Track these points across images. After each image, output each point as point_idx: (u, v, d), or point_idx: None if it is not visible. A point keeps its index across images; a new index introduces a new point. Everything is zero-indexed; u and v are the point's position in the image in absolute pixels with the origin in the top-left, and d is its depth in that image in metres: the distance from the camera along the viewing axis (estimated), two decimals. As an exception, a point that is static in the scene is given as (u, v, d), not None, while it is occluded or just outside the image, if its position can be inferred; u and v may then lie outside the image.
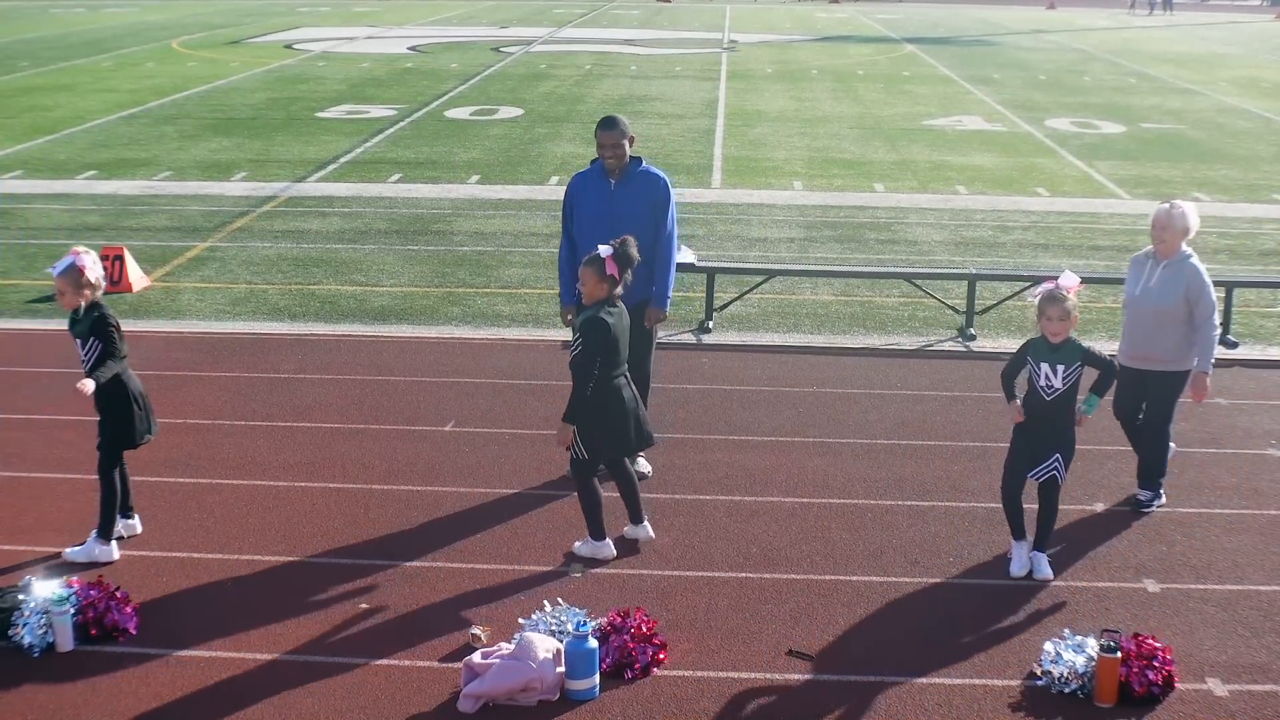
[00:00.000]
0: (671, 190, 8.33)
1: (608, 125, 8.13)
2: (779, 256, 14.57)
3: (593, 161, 8.37)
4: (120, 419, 7.24)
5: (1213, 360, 7.99)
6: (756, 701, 6.08)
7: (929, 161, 20.49)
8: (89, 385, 7.01)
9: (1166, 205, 8.02)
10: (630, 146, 8.17)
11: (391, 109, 25.30)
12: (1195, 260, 7.99)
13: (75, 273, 7.09)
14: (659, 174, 8.32)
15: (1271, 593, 7.19)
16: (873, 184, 18.74)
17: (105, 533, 7.33)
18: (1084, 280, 10.16)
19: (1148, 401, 8.18)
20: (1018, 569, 7.29)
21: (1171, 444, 8.28)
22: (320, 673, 6.25)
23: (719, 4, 58.05)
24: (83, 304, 7.16)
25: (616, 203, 8.16)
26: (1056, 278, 7.22)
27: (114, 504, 7.32)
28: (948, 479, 8.66)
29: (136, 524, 7.59)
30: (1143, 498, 8.25)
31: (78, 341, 7.21)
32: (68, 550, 7.33)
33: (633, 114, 24.92)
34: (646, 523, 7.61)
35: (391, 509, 8.06)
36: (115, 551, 7.34)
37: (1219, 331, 8.19)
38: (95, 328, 7.12)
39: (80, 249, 7.22)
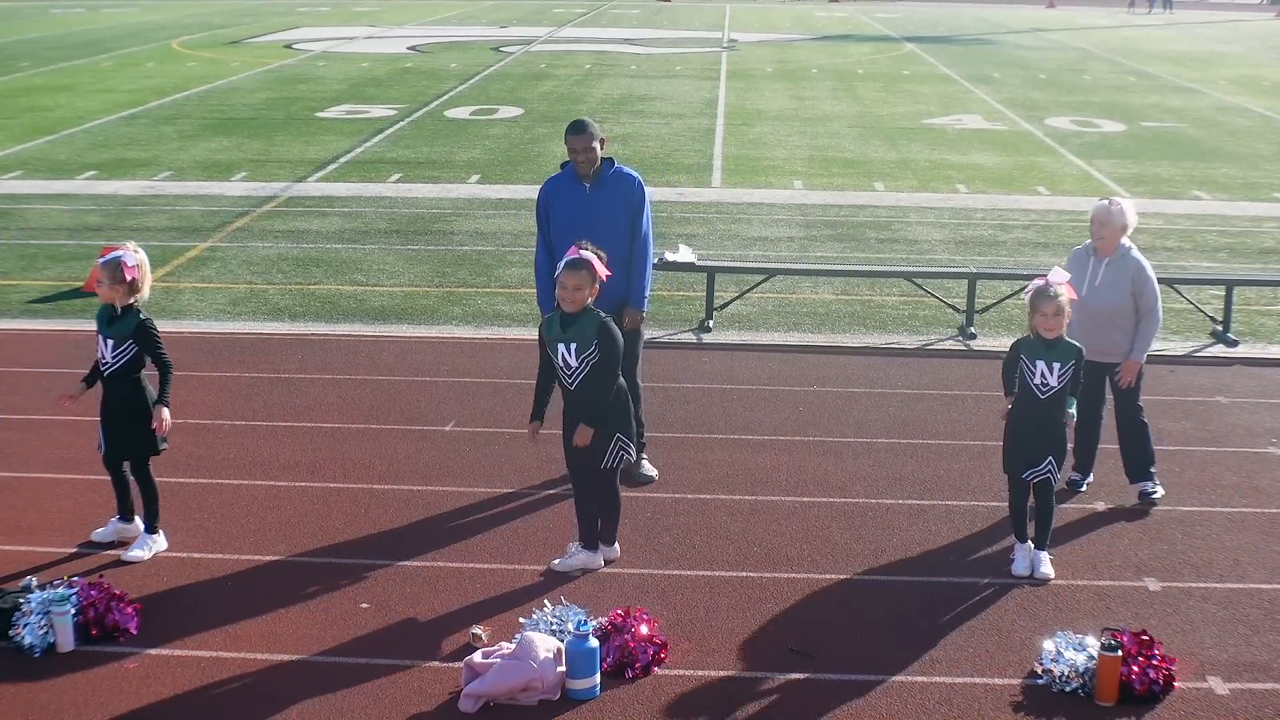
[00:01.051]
0: (646, 190, 8.32)
1: (577, 129, 8.12)
2: (779, 255, 14.56)
3: (563, 165, 8.34)
4: (148, 429, 7.25)
5: (1147, 351, 8.07)
6: (756, 701, 6.08)
7: (929, 160, 20.48)
8: (166, 416, 7.18)
9: (1105, 201, 8.08)
10: (601, 149, 8.16)
11: (391, 109, 25.30)
12: (1137, 253, 8.07)
13: (115, 267, 7.09)
14: (633, 174, 8.31)
15: (1272, 591, 7.18)
16: (873, 183, 18.74)
17: (152, 527, 7.42)
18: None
19: (1115, 396, 8.23)
20: (1020, 568, 7.28)
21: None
22: (321, 672, 6.25)
23: (719, 3, 58.03)
24: (119, 302, 7.15)
25: (593, 206, 8.13)
26: (1047, 274, 7.25)
27: (157, 499, 7.41)
28: (948, 478, 8.66)
29: (137, 526, 7.59)
30: (1147, 489, 8.28)
31: (108, 342, 7.16)
32: (125, 554, 7.34)
33: (633, 113, 24.94)
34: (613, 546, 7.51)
35: (391, 509, 8.06)
36: (163, 540, 7.46)
37: (1160, 324, 8.22)
38: (138, 334, 7.12)
39: (133, 245, 7.22)
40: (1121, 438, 8.31)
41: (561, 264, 7.06)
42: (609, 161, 8.25)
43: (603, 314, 7.08)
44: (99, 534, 7.51)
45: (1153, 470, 8.29)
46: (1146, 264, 8.05)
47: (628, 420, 7.21)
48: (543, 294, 8.39)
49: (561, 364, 7.07)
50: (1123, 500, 8.31)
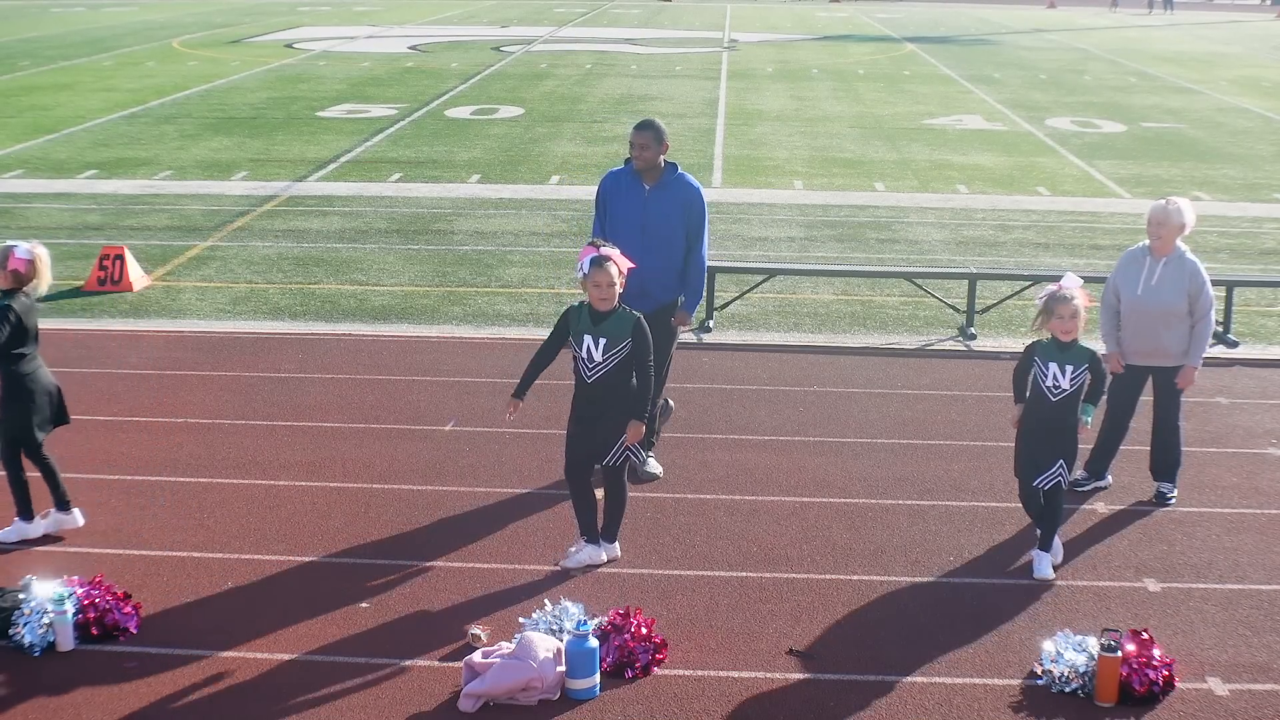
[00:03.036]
0: (705, 198, 8.41)
1: (640, 127, 8.30)
2: (779, 255, 14.57)
3: (626, 161, 8.46)
4: (17, 414, 7.28)
5: (1203, 355, 8.11)
6: (756, 701, 6.08)
7: (929, 161, 20.49)
8: None
9: (1163, 202, 8.07)
10: (664, 153, 8.27)
11: (392, 108, 25.30)
12: (1192, 255, 8.07)
13: (4, 254, 7.24)
14: (694, 183, 8.41)
15: (1272, 592, 7.18)
16: (873, 183, 18.74)
17: (21, 514, 7.50)
18: (1086, 280, 10.08)
19: (1159, 398, 8.27)
20: (1045, 571, 7.29)
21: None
22: (321, 672, 6.25)
23: (719, 3, 58.03)
24: (2, 285, 7.28)
25: (650, 207, 8.23)
26: (1060, 279, 7.26)
27: (22, 488, 7.42)
28: (948, 478, 8.66)
29: (76, 517, 7.61)
30: (1165, 490, 8.33)
31: None
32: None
33: (633, 113, 24.90)
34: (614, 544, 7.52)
35: (392, 509, 8.06)
36: (39, 527, 7.51)
37: (1214, 327, 8.29)
38: None
39: (33, 243, 7.32)
40: (1156, 437, 8.35)
41: (587, 266, 7.04)
42: (673, 165, 8.37)
43: (636, 313, 7.12)
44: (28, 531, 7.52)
45: (1177, 473, 8.34)
46: (1204, 269, 8.07)
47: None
48: None
49: (585, 356, 7.07)
50: (1122, 501, 8.31)
